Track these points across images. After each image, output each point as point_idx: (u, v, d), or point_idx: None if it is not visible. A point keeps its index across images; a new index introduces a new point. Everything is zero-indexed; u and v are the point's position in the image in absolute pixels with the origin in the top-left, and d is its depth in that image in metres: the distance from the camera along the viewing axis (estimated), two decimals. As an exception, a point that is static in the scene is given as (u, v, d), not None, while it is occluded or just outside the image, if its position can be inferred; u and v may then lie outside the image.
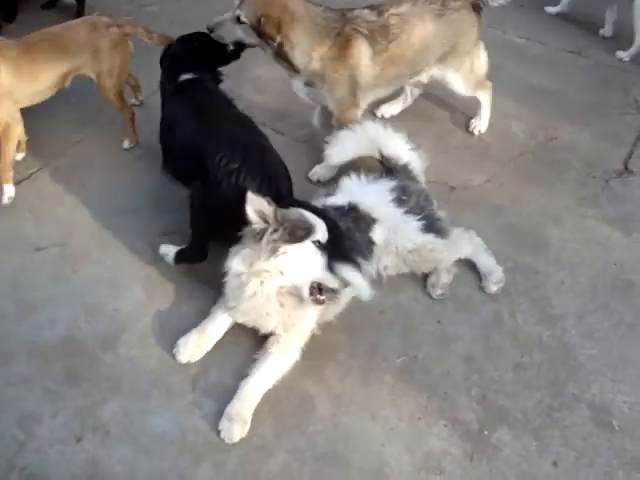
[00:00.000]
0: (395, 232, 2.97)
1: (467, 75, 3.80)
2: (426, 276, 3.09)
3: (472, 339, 2.89)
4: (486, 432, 2.58)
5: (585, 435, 2.58)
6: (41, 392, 2.66)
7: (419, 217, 3.01)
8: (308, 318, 2.72)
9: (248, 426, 2.54)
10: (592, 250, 3.32)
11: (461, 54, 3.70)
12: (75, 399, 2.64)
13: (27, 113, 3.54)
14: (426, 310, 2.99)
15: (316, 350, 2.80)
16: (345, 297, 2.83)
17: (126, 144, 3.87)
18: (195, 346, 2.75)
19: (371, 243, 2.94)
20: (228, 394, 2.62)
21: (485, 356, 2.83)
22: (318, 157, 3.59)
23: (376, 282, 3.01)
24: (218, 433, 2.53)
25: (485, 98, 4.00)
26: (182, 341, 2.76)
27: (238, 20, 3.24)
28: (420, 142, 3.82)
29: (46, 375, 2.72)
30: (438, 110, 4.20)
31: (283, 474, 2.44)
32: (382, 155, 3.27)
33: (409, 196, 3.06)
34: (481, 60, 3.85)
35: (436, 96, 4.23)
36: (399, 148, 3.29)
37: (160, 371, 2.74)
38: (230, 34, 3.31)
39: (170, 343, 2.81)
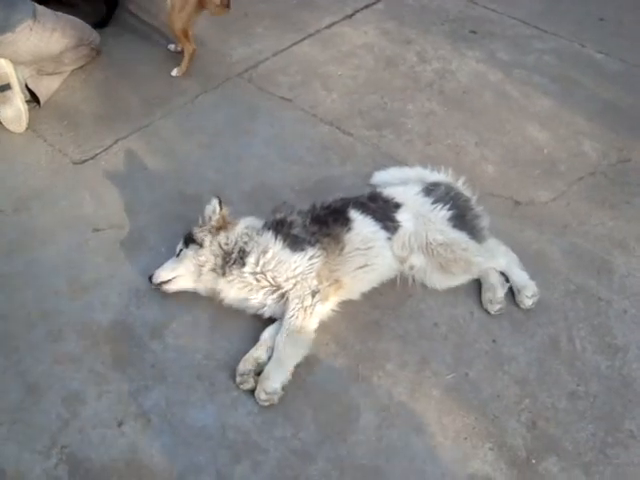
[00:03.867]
0: (424, 224, 2.93)
1: None
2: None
3: (526, 362, 2.78)
4: (534, 461, 2.48)
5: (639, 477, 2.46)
6: (87, 373, 2.68)
7: (448, 207, 2.98)
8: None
9: None
10: (660, 281, 3.17)
11: None
12: (120, 383, 2.64)
13: (95, 97, 3.55)
14: (481, 327, 2.89)
15: (366, 358, 2.75)
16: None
17: (175, 72, 4.24)
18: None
19: (394, 221, 2.93)
20: (272, 394, 2.60)
21: (539, 381, 2.72)
22: (382, 162, 3.55)
23: (432, 293, 2.96)
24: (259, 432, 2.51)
25: None
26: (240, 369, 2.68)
27: None
28: (487, 153, 3.75)
29: (93, 356, 2.73)
30: (509, 121, 4.07)
31: (321, 482, 2.41)
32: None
33: (437, 187, 3.08)
34: None
35: (508, 105, 4.12)
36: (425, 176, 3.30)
37: (206, 364, 2.72)
38: None
39: (218, 337, 2.80)
